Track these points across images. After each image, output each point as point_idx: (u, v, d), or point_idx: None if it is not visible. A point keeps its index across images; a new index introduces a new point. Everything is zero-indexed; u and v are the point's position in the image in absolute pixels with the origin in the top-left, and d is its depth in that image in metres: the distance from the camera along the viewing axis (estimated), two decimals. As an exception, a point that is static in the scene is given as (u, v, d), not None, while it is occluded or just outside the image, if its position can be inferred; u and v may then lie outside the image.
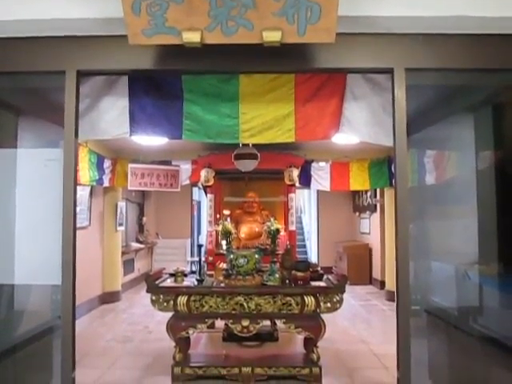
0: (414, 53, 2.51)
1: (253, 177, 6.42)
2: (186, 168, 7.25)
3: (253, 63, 2.57)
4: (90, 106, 2.78)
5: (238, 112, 2.81)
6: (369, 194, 9.51)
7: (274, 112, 2.80)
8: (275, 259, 4.53)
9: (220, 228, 4.82)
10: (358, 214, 10.64)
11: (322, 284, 4.27)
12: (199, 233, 12.50)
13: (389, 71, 2.52)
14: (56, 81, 2.55)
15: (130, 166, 6.89)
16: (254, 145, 5.42)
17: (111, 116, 2.82)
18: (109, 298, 7.77)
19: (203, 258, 5.16)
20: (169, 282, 4.35)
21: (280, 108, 2.79)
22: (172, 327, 4.09)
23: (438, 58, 2.50)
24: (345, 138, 5.21)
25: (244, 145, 5.35)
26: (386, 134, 2.62)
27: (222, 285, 4.25)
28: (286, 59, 2.55)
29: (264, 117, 2.80)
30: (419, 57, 2.51)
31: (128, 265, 9.16)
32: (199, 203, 12.65)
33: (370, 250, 9.72)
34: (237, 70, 2.70)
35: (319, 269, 4.67)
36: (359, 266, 9.63)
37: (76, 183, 2.49)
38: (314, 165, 7.29)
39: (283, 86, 2.77)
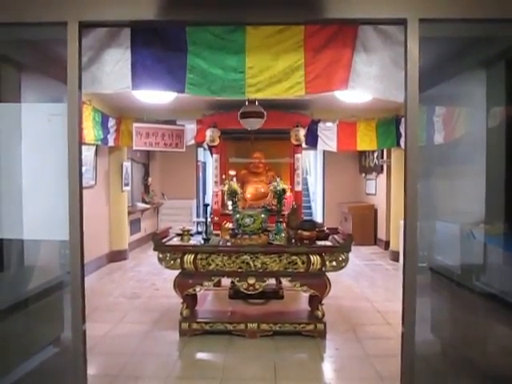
0: (428, 2, 2.39)
1: (259, 137, 6.36)
2: (191, 128, 7.18)
3: (261, 14, 2.47)
4: (91, 58, 2.68)
5: (244, 66, 2.71)
6: (375, 154, 9.43)
7: (282, 65, 2.68)
8: (281, 219, 4.54)
9: (226, 188, 4.81)
10: (364, 175, 10.59)
11: (327, 243, 4.30)
12: (205, 193, 12.54)
13: (402, 22, 2.42)
14: (57, 33, 2.46)
15: (135, 125, 6.82)
16: (260, 103, 5.34)
17: (113, 69, 2.72)
18: (116, 256, 7.92)
19: (209, 218, 5.18)
20: (175, 241, 4.41)
21: (289, 61, 2.67)
22: (179, 284, 4.17)
23: (455, 8, 2.38)
24: (354, 95, 5.12)
25: (250, 102, 5.26)
26: (398, 88, 2.53)
27: (229, 244, 4.29)
28: (295, 9, 2.44)
29: (272, 70, 2.69)
30: (434, 6, 2.38)
31: (134, 224, 9.27)
32: (204, 164, 12.63)
33: (376, 211, 9.74)
34: (244, 21, 2.58)
35: (325, 228, 4.70)
36: (364, 227, 9.69)
37: (81, 136, 2.46)
38: (320, 125, 7.20)
39: (292, 38, 2.64)
